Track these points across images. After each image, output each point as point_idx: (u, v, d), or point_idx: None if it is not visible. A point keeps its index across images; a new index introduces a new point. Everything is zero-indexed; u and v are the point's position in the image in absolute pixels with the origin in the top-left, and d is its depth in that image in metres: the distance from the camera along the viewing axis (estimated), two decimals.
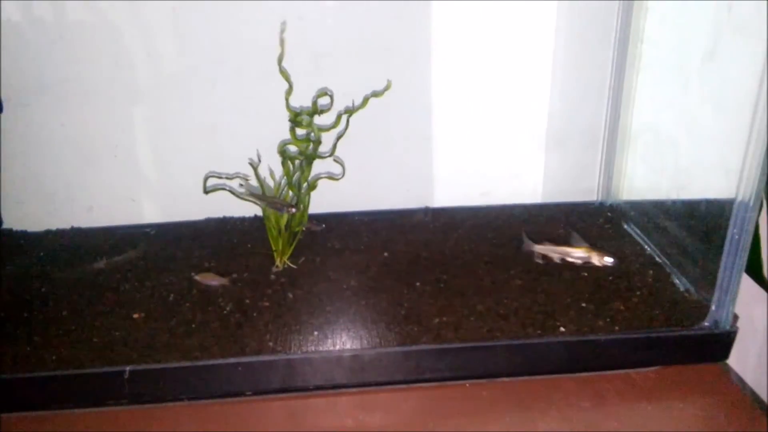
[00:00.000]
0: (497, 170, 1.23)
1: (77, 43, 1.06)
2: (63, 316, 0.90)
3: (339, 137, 1.00)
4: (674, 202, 0.99)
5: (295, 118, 0.97)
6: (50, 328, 0.87)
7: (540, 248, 1.01)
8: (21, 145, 1.11)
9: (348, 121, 0.99)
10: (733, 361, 0.87)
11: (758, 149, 0.75)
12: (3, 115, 1.07)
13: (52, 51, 1.06)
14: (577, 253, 0.98)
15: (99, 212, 1.17)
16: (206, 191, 1.01)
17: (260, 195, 1.00)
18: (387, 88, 1.00)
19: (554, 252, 1.00)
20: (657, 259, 1.00)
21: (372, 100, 1.00)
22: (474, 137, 1.20)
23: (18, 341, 0.84)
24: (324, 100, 1.03)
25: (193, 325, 0.88)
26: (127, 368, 0.78)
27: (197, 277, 0.98)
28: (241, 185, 1.03)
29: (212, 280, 0.97)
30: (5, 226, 1.14)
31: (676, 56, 0.99)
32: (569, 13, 1.11)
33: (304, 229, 1.05)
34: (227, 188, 1.02)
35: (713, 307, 0.84)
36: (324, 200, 1.10)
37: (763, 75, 0.74)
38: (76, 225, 1.16)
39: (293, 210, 0.96)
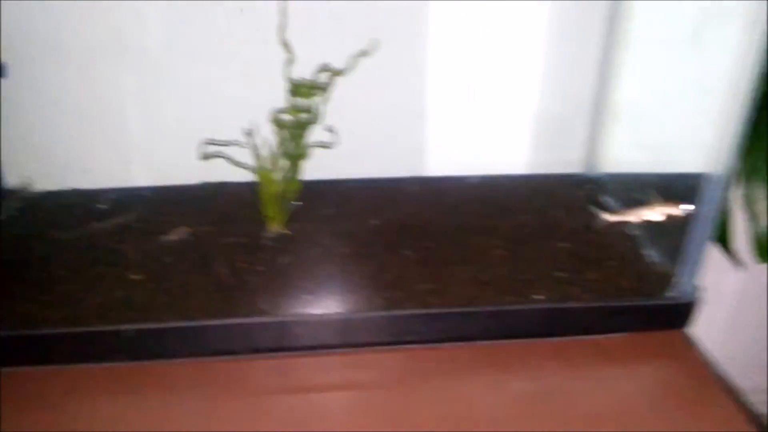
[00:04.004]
0: (487, 142, 1.27)
1: (77, 7, 1.08)
2: (64, 275, 0.95)
3: (324, 101, 1.03)
4: (650, 176, 1.04)
5: (296, 90, 1.01)
6: (53, 288, 0.92)
7: (616, 218, 1.04)
8: (22, 108, 1.14)
9: (332, 82, 1.01)
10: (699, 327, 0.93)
11: (732, 130, 0.80)
12: (7, 78, 1.09)
13: (54, 15, 1.08)
14: (654, 213, 0.98)
15: (97, 174, 1.21)
16: (204, 157, 1.05)
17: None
18: (376, 48, 1.04)
19: (633, 216, 1.01)
20: (632, 232, 1.05)
21: (369, 72, 1.03)
22: (465, 109, 1.24)
23: (23, 300, 0.89)
24: (324, 76, 1.05)
25: (191, 288, 0.93)
26: (127, 326, 0.84)
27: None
28: None
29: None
30: (7, 186, 1.18)
31: (662, 36, 1.02)
32: None
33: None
34: (223, 155, 1.06)
35: (678, 279, 0.89)
36: (318, 167, 1.14)
37: (744, 62, 0.77)
38: (75, 186, 1.20)
39: None
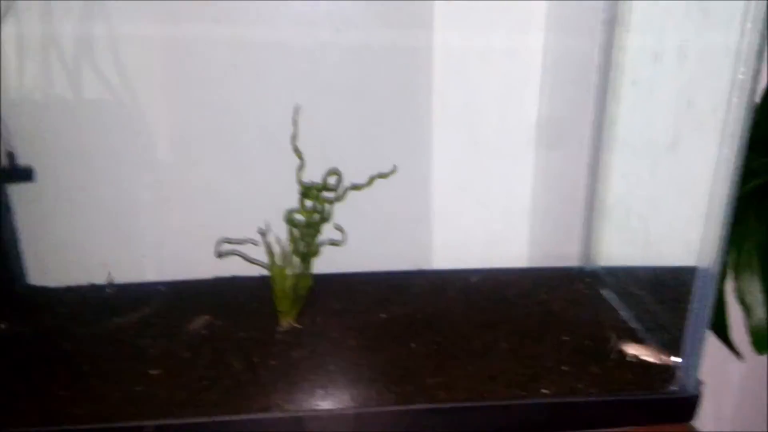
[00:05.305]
0: (487, 237, 1.34)
1: (94, 116, 1.17)
2: (85, 371, 0.98)
3: (332, 202, 1.10)
4: (644, 270, 1.09)
5: (306, 192, 1.07)
6: (74, 384, 0.95)
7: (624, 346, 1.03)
8: (44, 205, 1.20)
9: (341, 185, 1.09)
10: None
11: (716, 227, 0.86)
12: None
13: (75, 124, 1.17)
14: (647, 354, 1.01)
15: (114, 269, 1.26)
16: (219, 255, 1.10)
17: None
18: (392, 172, 1.12)
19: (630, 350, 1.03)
20: (631, 324, 1.09)
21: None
22: (466, 207, 1.32)
23: (48, 396, 0.92)
24: (332, 179, 1.12)
25: (206, 382, 0.96)
26: (148, 423, 0.86)
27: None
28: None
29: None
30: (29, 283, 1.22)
31: (644, 141, 1.10)
32: (550, 94, 1.23)
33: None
34: (238, 253, 1.11)
35: (679, 372, 0.93)
36: (328, 262, 1.19)
37: (718, 168, 0.84)
38: (93, 281, 1.24)
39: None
